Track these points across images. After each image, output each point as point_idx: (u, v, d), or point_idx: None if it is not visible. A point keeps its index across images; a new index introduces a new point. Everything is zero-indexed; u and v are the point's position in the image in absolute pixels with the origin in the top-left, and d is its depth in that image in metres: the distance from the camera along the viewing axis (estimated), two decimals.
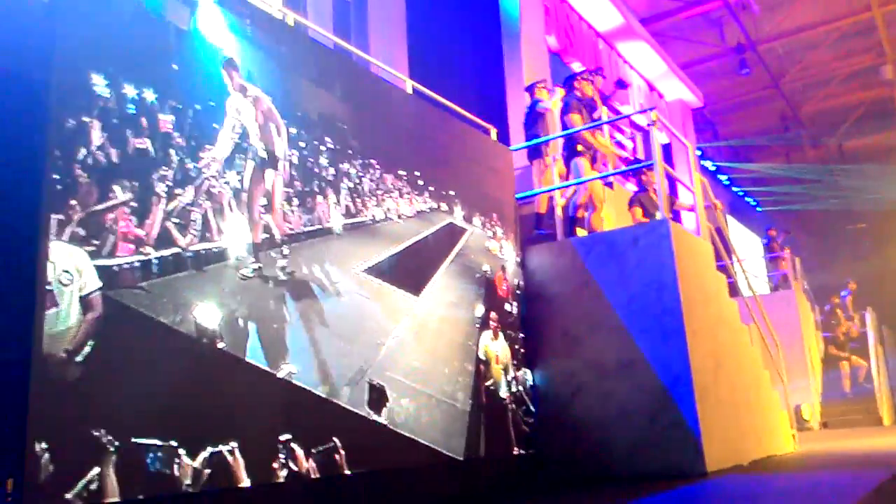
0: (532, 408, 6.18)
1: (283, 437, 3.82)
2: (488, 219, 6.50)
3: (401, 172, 5.52)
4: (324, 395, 4.17)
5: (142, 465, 3.13)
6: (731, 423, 6.13)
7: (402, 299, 5.16)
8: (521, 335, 6.34)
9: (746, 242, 19.93)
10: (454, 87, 7.71)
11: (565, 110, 7.31)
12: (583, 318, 6.15)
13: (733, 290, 7.79)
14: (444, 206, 5.97)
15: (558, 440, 6.05)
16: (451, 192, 6.09)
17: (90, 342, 3.05)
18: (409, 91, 6.06)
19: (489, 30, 10.32)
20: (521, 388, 6.13)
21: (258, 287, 4.00)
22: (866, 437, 9.16)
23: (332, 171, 4.82)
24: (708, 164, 19.38)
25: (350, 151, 5.07)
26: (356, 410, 4.37)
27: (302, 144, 4.63)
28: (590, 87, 7.58)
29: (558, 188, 7.18)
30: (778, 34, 16.94)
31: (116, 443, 3.03)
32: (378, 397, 4.51)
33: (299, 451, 3.89)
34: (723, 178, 20.48)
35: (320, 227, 4.61)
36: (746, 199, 22.06)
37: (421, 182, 5.74)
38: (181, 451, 3.28)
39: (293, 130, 4.59)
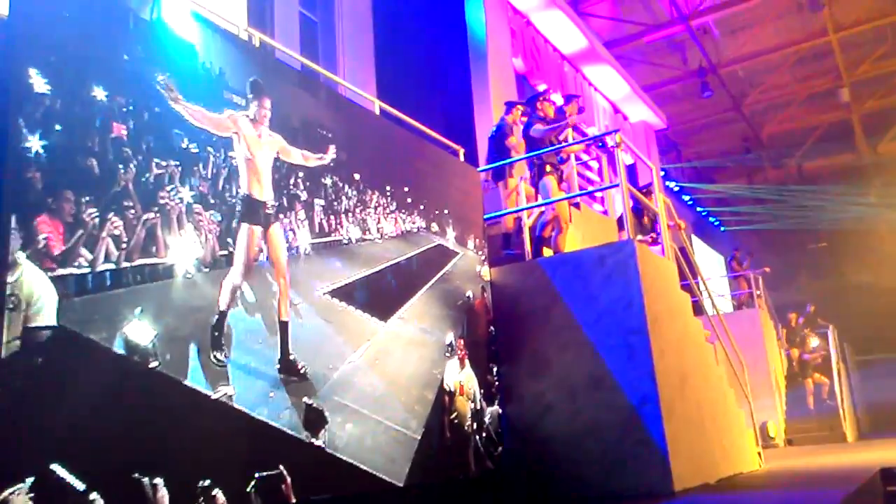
0: (501, 446, 6.00)
1: (210, 472, 3.51)
2: (482, 243, 6.42)
3: (388, 188, 5.34)
4: (261, 418, 3.91)
5: (53, 496, 2.85)
6: (698, 442, 6.17)
7: (367, 324, 4.95)
8: (492, 364, 6.22)
9: (710, 262, 20.22)
10: (422, 108, 7.74)
11: (529, 126, 7.35)
12: (551, 337, 6.16)
13: (698, 309, 7.88)
14: (435, 227, 5.81)
15: (528, 460, 6.03)
16: (446, 212, 5.92)
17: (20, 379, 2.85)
18: (377, 112, 6.07)
19: (457, 51, 10.40)
20: (487, 420, 5.90)
21: (206, 307, 3.78)
22: (830, 454, 9.28)
23: (303, 184, 4.62)
24: (672, 184, 19.67)
25: (331, 164, 4.87)
26: (293, 433, 4.10)
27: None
28: (551, 108, 7.65)
29: (526, 208, 7.22)
30: (738, 58, 17.33)
31: (28, 469, 2.79)
32: (315, 419, 4.27)
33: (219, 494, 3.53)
34: (686, 198, 20.79)
35: (286, 245, 4.39)
36: (710, 219, 22.42)
37: (409, 200, 5.56)
38: (96, 482, 2.98)
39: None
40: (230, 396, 3.74)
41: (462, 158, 6.95)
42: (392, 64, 9.45)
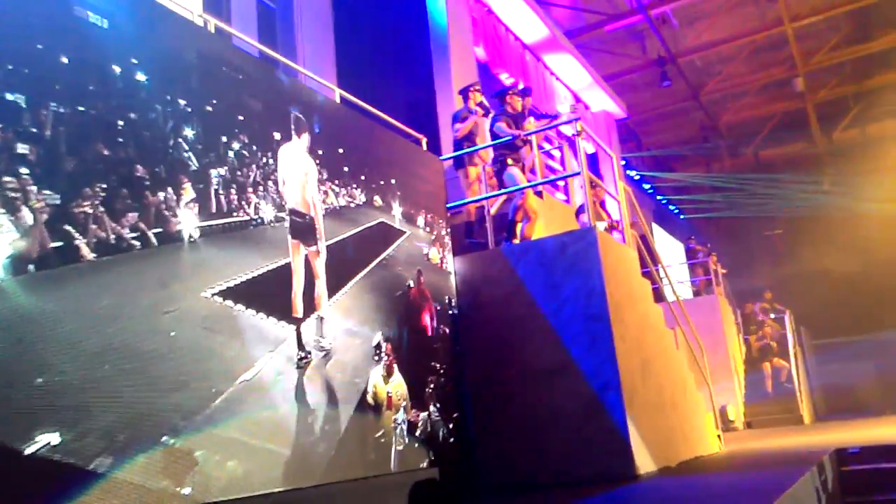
0: (431, 453, 5.39)
1: None
2: (434, 219, 6.02)
3: (319, 152, 4.58)
4: (100, 471, 2.89)
5: None
6: (659, 426, 6.25)
7: (271, 330, 3.98)
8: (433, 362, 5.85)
9: (670, 249, 20.48)
10: (384, 97, 7.67)
11: (495, 121, 7.36)
12: (515, 325, 6.17)
13: (658, 296, 7.97)
14: (378, 201, 5.20)
15: (491, 449, 6.05)
16: (393, 182, 5.38)
17: None
18: (337, 100, 5.99)
19: (418, 40, 10.35)
20: (418, 431, 5.25)
21: (33, 320, 2.77)
22: (788, 436, 9.48)
23: (192, 148, 3.63)
24: (632, 173, 19.86)
25: (241, 117, 3.91)
26: (146, 484, 3.08)
27: (158, 106, 3.46)
28: (519, 102, 7.67)
29: (488, 197, 7.21)
30: (696, 47, 17.53)
31: None
32: (177, 461, 3.29)
33: None
34: (647, 186, 21.02)
35: (160, 230, 3.39)
36: (669, 207, 22.69)
37: (346, 168, 4.80)
38: None
39: (142, 77, 3.37)
40: (53, 447, 2.74)
41: (425, 147, 6.91)
42: (353, 53, 9.37)
